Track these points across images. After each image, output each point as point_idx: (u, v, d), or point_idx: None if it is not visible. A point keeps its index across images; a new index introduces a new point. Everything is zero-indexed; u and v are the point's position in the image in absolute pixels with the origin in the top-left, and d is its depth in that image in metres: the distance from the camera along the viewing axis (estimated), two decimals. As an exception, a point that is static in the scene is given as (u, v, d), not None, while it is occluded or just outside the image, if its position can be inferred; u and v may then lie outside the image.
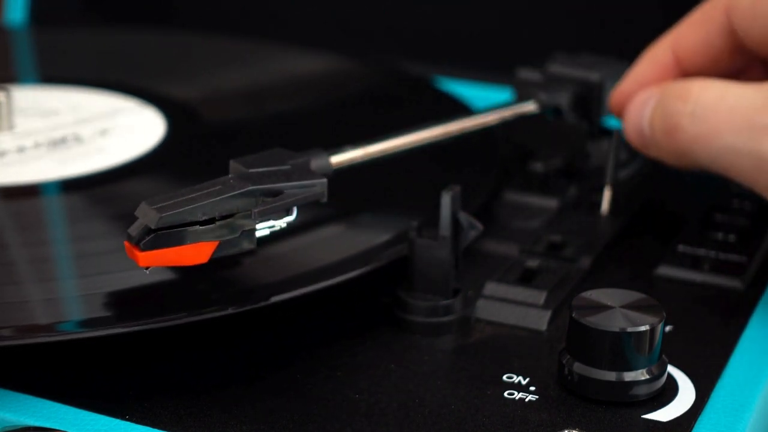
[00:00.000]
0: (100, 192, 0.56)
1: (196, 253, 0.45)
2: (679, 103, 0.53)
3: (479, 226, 0.50)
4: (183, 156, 0.60)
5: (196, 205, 0.45)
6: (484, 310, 0.51)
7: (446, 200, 0.49)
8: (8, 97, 0.62)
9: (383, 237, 0.52)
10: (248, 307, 0.47)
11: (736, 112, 0.51)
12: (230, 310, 0.46)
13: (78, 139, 0.61)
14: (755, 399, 0.47)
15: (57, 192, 0.56)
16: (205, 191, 0.45)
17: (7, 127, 0.62)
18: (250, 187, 0.46)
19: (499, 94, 0.69)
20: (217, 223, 0.45)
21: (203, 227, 0.45)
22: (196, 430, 0.44)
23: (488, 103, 0.67)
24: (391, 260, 0.50)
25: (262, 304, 0.47)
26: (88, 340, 0.46)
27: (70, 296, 0.48)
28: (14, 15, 0.83)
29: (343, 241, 0.52)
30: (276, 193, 0.47)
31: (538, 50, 0.64)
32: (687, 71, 0.57)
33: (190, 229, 0.45)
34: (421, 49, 0.77)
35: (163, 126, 0.63)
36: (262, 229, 0.47)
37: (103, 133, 0.62)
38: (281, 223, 0.47)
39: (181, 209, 0.44)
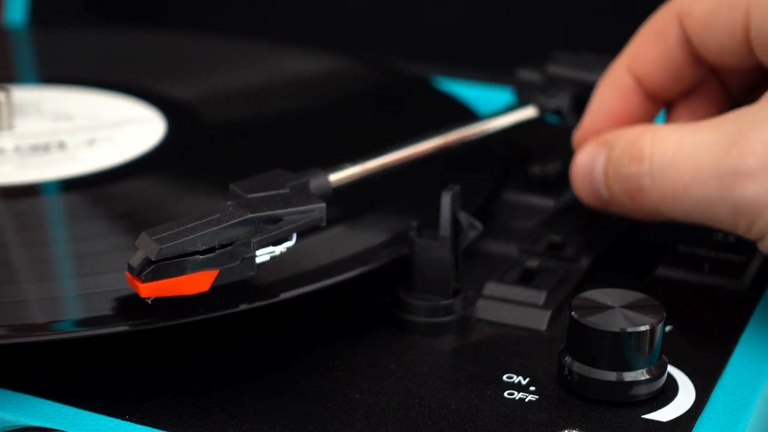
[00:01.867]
0: (100, 192, 0.56)
1: (197, 282, 0.45)
2: (633, 165, 0.49)
3: (479, 226, 0.50)
4: (183, 156, 0.60)
5: (196, 235, 0.45)
6: (484, 310, 0.51)
7: (446, 200, 0.49)
8: (8, 97, 0.62)
9: (383, 237, 0.52)
10: (247, 307, 0.47)
11: (697, 162, 0.47)
12: (229, 311, 0.46)
13: (77, 139, 0.61)
14: (755, 399, 0.47)
15: (57, 192, 0.56)
16: (205, 220, 0.46)
17: (6, 127, 0.62)
18: (249, 216, 0.46)
19: (499, 94, 0.69)
20: (217, 251, 0.45)
21: (203, 256, 0.45)
22: (196, 430, 0.44)
23: (488, 103, 0.67)
24: (390, 260, 0.50)
25: (262, 303, 0.47)
26: (87, 340, 0.46)
27: (68, 295, 0.48)
28: (14, 15, 0.83)
29: (343, 241, 0.52)
30: (275, 220, 0.47)
31: (538, 50, 0.64)
32: (649, 90, 0.54)
33: (190, 258, 0.45)
34: (420, 49, 0.77)
35: (163, 126, 0.63)
36: (263, 255, 0.47)
37: (103, 133, 0.62)
38: (281, 249, 0.47)
39: (180, 240, 0.45)
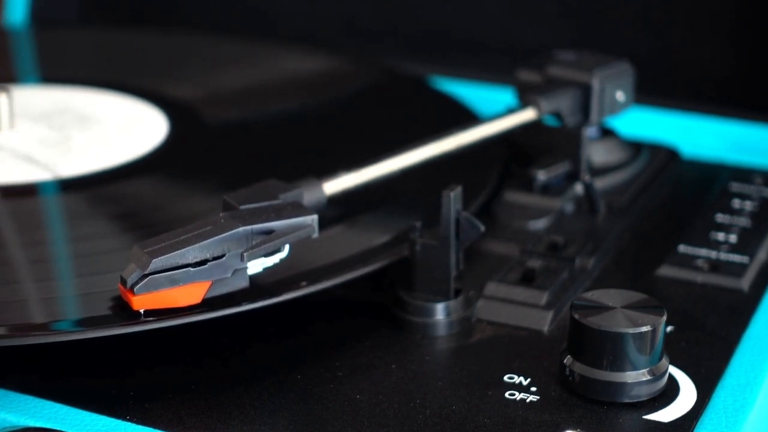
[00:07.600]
0: (100, 192, 0.56)
1: (190, 294, 0.46)
2: None
3: (480, 226, 0.50)
4: (184, 155, 0.60)
5: (188, 247, 0.45)
6: (485, 310, 0.51)
7: (447, 200, 0.49)
8: (9, 97, 0.62)
9: (384, 237, 0.52)
10: (248, 307, 0.46)
11: None
12: (230, 311, 0.46)
13: (78, 139, 0.61)
14: (757, 399, 0.47)
15: (56, 192, 0.56)
16: (197, 233, 0.46)
17: (7, 127, 0.62)
18: (240, 228, 0.46)
19: (499, 94, 0.69)
20: (209, 263, 0.46)
21: (195, 269, 0.45)
22: (196, 431, 0.44)
23: (488, 103, 0.67)
24: (391, 261, 0.50)
25: (262, 304, 0.47)
26: (87, 340, 0.46)
27: (67, 296, 0.48)
28: (14, 15, 0.83)
29: (344, 241, 0.52)
30: (267, 232, 0.47)
31: (538, 50, 0.64)
32: None
33: (182, 271, 0.45)
34: (420, 48, 0.77)
35: (165, 126, 0.62)
36: (254, 266, 0.47)
37: (104, 132, 0.62)
38: (273, 260, 0.47)
39: (172, 252, 0.45)
